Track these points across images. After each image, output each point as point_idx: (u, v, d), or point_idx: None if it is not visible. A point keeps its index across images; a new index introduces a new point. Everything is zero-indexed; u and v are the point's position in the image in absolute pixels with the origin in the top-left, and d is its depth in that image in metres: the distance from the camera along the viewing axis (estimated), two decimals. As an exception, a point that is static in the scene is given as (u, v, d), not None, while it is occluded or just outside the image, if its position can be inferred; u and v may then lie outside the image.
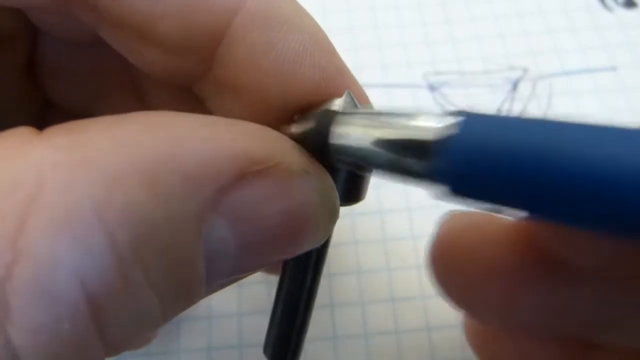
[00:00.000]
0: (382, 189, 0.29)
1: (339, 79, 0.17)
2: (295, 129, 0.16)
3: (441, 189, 0.13)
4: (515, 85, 0.32)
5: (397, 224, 0.29)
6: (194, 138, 0.13)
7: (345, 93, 0.16)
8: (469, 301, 0.17)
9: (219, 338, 0.27)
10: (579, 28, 0.33)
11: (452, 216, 0.18)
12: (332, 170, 0.16)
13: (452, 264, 0.17)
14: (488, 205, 0.13)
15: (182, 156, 0.12)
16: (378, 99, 0.30)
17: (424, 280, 0.27)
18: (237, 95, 0.17)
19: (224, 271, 0.14)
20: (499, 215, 0.18)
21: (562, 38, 0.33)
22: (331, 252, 0.28)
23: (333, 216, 0.16)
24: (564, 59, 0.32)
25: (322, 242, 0.16)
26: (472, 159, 0.12)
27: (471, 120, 0.13)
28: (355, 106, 0.16)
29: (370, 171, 0.15)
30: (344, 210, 0.16)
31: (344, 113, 0.15)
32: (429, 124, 0.13)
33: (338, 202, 0.16)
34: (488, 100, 0.31)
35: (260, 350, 0.19)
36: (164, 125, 0.13)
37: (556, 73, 0.32)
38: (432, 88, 0.32)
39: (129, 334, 0.13)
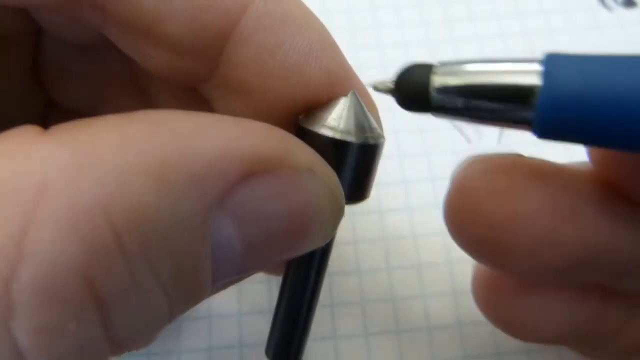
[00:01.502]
0: (382, 188, 0.29)
1: (344, 80, 0.17)
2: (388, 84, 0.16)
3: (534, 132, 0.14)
4: (515, 85, 0.32)
5: (397, 223, 0.29)
6: (200, 137, 0.13)
7: (350, 93, 0.17)
8: (502, 245, 0.17)
9: (219, 338, 0.27)
10: (579, 28, 0.33)
11: (472, 162, 0.18)
12: (342, 165, 0.16)
13: (481, 207, 0.17)
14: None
15: (189, 155, 0.12)
16: (378, 99, 0.30)
17: (424, 280, 0.27)
18: (243, 96, 0.17)
19: (230, 270, 0.14)
20: (523, 155, 0.18)
21: (562, 38, 0.33)
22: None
23: (338, 214, 0.16)
24: (564, 59, 0.32)
25: (327, 242, 0.16)
26: (560, 109, 0.13)
27: (558, 66, 0.13)
28: (361, 106, 0.16)
29: (467, 119, 0.15)
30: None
31: (441, 65, 0.15)
32: (520, 72, 0.14)
33: (344, 200, 0.16)
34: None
35: (261, 350, 0.19)
36: (170, 124, 0.13)
37: (556, 73, 0.32)
38: (432, 88, 0.32)
39: (135, 334, 0.13)
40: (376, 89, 0.16)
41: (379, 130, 0.17)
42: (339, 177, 0.16)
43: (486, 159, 0.17)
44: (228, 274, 0.14)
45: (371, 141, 0.16)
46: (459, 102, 0.14)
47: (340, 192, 0.15)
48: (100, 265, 0.11)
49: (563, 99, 0.13)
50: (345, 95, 0.17)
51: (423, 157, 0.30)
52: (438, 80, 0.15)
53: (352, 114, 0.16)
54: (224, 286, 0.15)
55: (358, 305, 0.27)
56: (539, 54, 0.33)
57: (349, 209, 0.29)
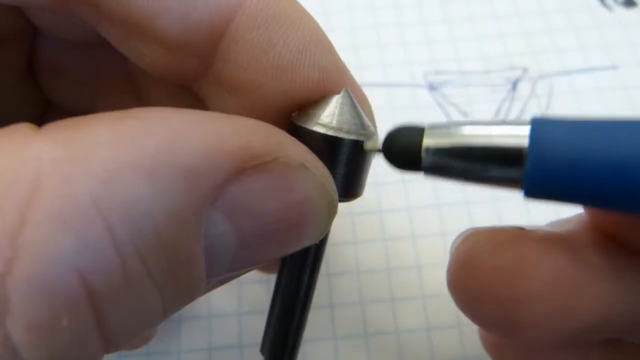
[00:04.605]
0: (381, 188, 0.29)
1: (337, 77, 0.17)
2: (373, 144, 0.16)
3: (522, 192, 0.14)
4: (515, 85, 0.32)
5: (397, 224, 0.29)
6: (193, 133, 0.13)
7: (343, 90, 0.17)
8: (512, 321, 0.16)
9: (219, 338, 0.27)
10: (579, 27, 0.33)
11: (474, 234, 0.17)
12: (335, 162, 0.16)
13: (489, 285, 0.16)
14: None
15: (181, 151, 0.12)
16: (378, 99, 0.30)
17: (424, 280, 0.27)
18: (237, 94, 0.17)
19: (223, 266, 0.14)
20: (524, 227, 0.17)
21: (562, 38, 0.33)
22: (331, 252, 0.28)
23: (332, 210, 0.16)
24: (564, 59, 0.32)
25: (320, 238, 0.16)
26: (546, 169, 0.13)
27: (544, 129, 0.13)
28: (354, 103, 0.16)
29: (458, 180, 0.15)
30: (343, 210, 0.16)
31: (431, 127, 0.15)
32: (508, 134, 0.14)
33: (337, 196, 0.16)
34: (488, 100, 0.31)
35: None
36: (163, 121, 0.13)
37: (556, 72, 0.32)
38: (432, 87, 0.32)
39: (129, 330, 0.13)
40: (365, 148, 0.16)
41: (371, 127, 0.17)
42: (332, 174, 0.16)
43: (488, 232, 0.17)
44: (221, 270, 0.14)
45: (364, 138, 0.16)
46: (449, 163, 0.15)
47: (333, 188, 0.16)
48: (93, 259, 0.11)
49: (549, 163, 0.13)
50: (339, 92, 0.17)
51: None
52: (429, 142, 0.15)
53: (345, 111, 0.16)
54: (218, 284, 0.15)
55: (357, 306, 0.27)
56: (539, 53, 0.33)
57: (348, 209, 0.29)
